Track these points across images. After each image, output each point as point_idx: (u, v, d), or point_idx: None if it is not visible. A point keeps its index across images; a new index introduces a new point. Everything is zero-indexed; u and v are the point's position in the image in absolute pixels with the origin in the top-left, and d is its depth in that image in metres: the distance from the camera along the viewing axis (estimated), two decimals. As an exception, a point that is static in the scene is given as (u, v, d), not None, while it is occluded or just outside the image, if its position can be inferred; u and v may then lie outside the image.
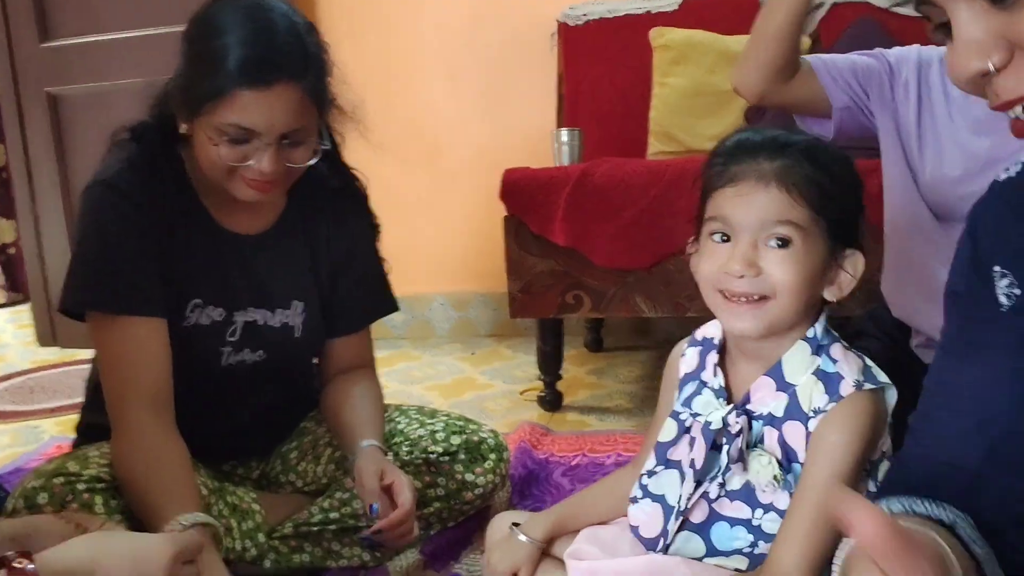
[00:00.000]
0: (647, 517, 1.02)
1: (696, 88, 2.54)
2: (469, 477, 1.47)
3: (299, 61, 1.20)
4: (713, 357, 1.03)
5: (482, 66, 3.05)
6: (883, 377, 0.96)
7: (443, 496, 1.46)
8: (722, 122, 2.50)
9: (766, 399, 0.97)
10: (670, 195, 2.05)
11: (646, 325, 3.04)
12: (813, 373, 0.95)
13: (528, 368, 2.67)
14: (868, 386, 0.93)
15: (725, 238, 0.95)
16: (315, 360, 1.52)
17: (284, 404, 1.50)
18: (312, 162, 1.27)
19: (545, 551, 1.12)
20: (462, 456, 1.47)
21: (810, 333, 0.97)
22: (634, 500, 1.05)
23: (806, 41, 2.57)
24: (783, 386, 0.96)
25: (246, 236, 1.36)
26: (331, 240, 1.43)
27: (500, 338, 3.14)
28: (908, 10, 2.53)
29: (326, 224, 1.43)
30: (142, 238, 1.24)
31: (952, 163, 1.36)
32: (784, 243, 0.91)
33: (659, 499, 1.02)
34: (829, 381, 0.94)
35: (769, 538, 0.94)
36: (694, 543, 0.99)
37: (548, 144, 2.54)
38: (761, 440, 0.96)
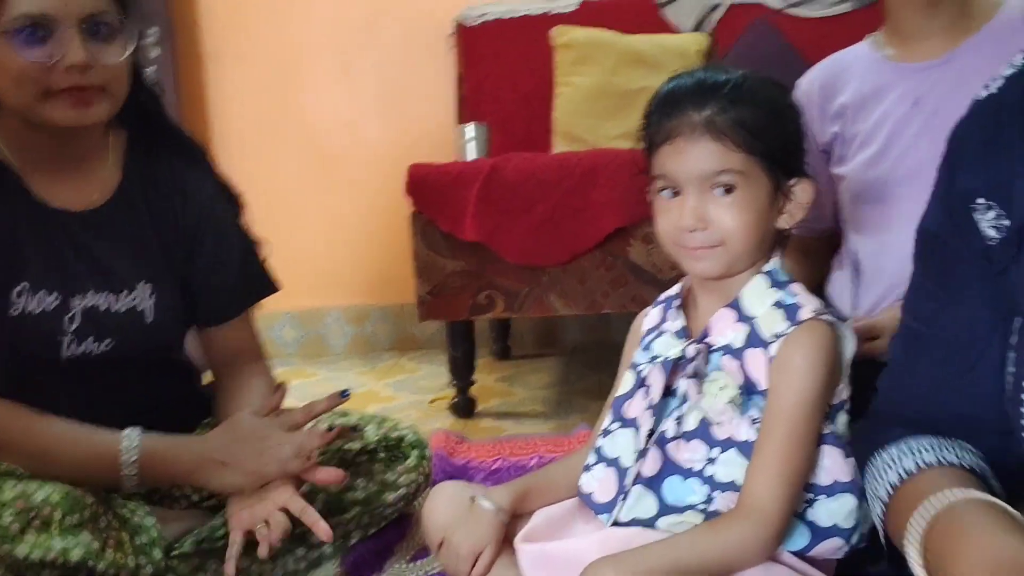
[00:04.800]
0: (599, 483, 0.99)
1: (600, 88, 2.51)
2: (390, 477, 1.34)
3: None
4: (675, 303, 1.04)
5: (378, 65, 2.94)
6: (843, 326, 0.97)
7: (362, 500, 1.33)
8: (626, 122, 2.47)
9: (725, 331, 0.97)
10: (583, 188, 2.00)
11: (553, 333, 2.98)
12: (773, 305, 0.96)
13: (434, 379, 2.56)
14: (826, 318, 0.94)
15: (674, 193, 0.97)
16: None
17: (162, 405, 1.33)
18: (128, 53, 1.16)
19: (506, 537, 1.02)
20: (381, 454, 1.35)
21: (767, 267, 0.98)
22: (587, 468, 1.01)
23: (703, 40, 2.59)
24: (743, 318, 0.97)
25: (77, 212, 1.22)
26: (180, 213, 1.30)
27: (402, 352, 3.01)
28: (802, 11, 2.58)
29: (171, 196, 1.29)
30: None
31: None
32: (728, 190, 0.94)
33: (613, 463, 0.99)
34: (789, 310, 0.95)
35: (725, 487, 0.92)
36: (646, 501, 0.95)
37: (448, 146, 2.46)
38: (719, 370, 0.96)
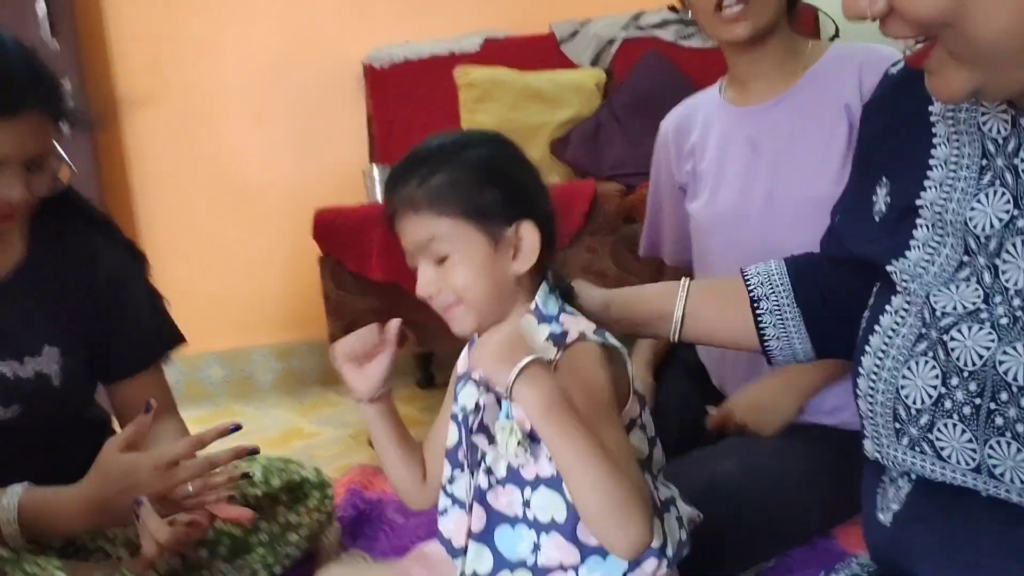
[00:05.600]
0: (455, 525, 1.01)
1: (501, 124, 2.61)
2: (293, 518, 1.42)
3: (39, 87, 1.17)
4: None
5: (290, 107, 3.03)
6: (615, 341, 0.98)
7: (267, 542, 1.40)
8: (529, 154, 2.58)
9: None
10: (483, 225, 2.10)
11: (474, 359, 3.06)
12: (545, 340, 0.96)
13: (357, 413, 2.62)
14: (594, 338, 0.95)
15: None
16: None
17: (75, 460, 1.38)
18: (60, 188, 1.22)
19: None
20: (284, 497, 1.42)
21: (533, 305, 0.99)
22: (443, 512, 1.04)
23: (600, 74, 2.72)
24: None
25: None
26: (84, 277, 1.35)
27: (328, 385, 3.07)
28: (693, 43, 2.72)
29: (78, 261, 1.35)
30: None
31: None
32: (443, 258, 0.96)
33: (463, 504, 1.01)
34: (558, 339, 0.96)
35: (548, 528, 0.93)
36: (484, 556, 0.97)
37: (359, 183, 2.55)
38: (509, 416, 0.94)
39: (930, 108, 0.84)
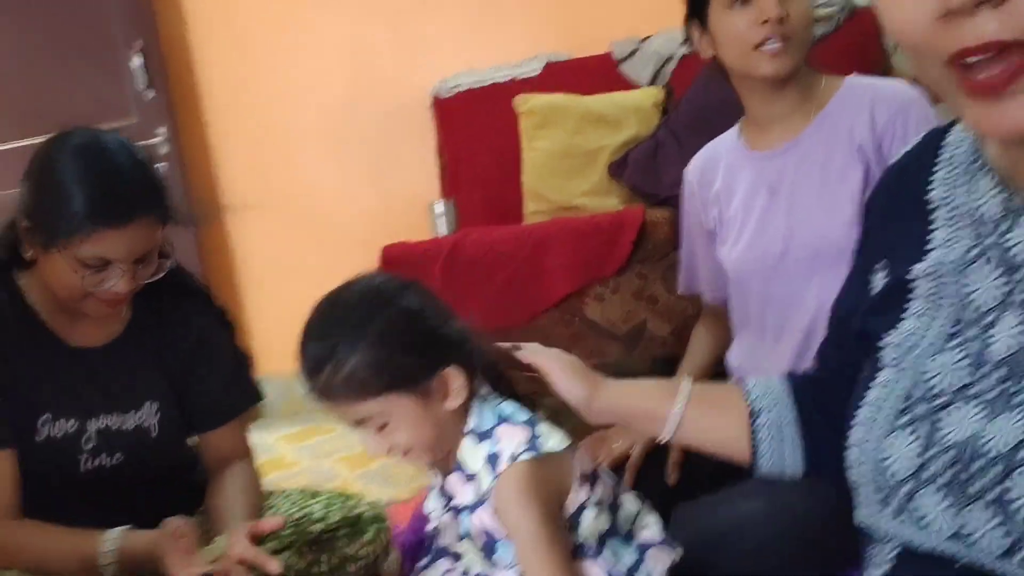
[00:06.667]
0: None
1: (563, 149, 2.68)
2: (350, 551, 1.53)
3: (149, 194, 1.31)
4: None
5: (364, 141, 3.17)
6: (552, 443, 1.01)
7: (326, 571, 1.53)
8: (589, 179, 2.66)
9: (461, 492, 1.04)
10: (538, 256, 2.19)
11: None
12: (485, 460, 1.01)
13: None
14: (524, 456, 0.98)
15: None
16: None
17: (169, 500, 1.55)
18: (159, 276, 1.36)
19: None
20: (343, 531, 1.55)
21: (470, 426, 1.03)
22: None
23: (659, 93, 2.75)
24: (469, 477, 1.03)
25: (92, 348, 1.44)
26: (178, 340, 1.51)
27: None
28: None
29: (171, 326, 1.51)
30: None
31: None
32: (381, 426, 1.00)
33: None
34: (492, 462, 1.00)
35: None
36: None
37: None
38: (468, 534, 1.03)
39: (928, 195, 0.85)
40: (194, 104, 3.25)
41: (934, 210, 0.84)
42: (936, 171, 0.83)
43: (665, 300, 2.13)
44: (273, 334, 3.43)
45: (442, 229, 2.44)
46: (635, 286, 2.16)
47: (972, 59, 0.60)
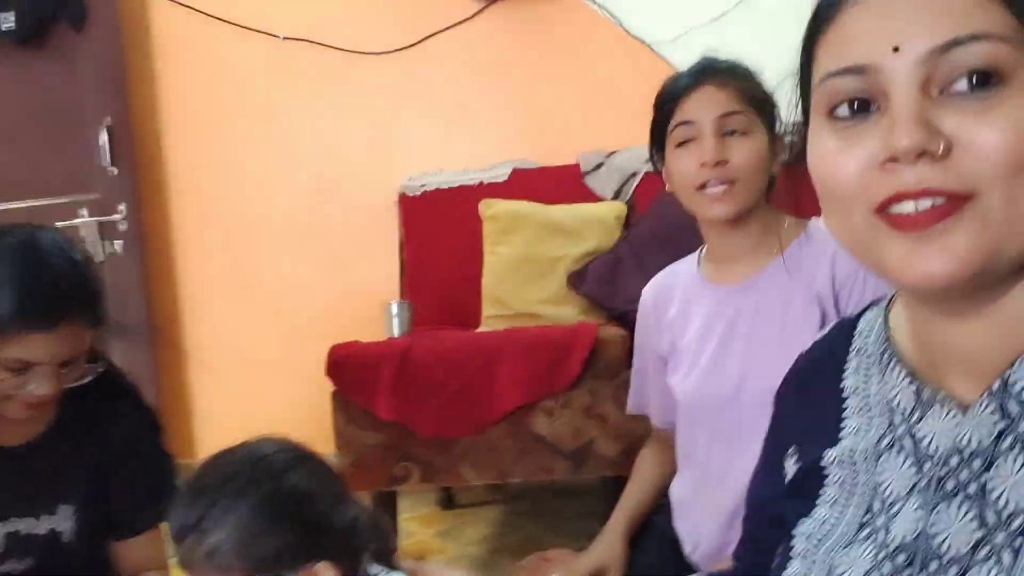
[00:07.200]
0: None
1: (524, 256, 2.70)
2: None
3: (81, 298, 1.27)
4: None
5: (328, 232, 3.17)
6: None
7: None
8: (548, 288, 2.66)
9: None
10: (491, 366, 2.16)
11: (497, 480, 3.10)
12: None
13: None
14: None
15: None
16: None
17: None
18: (86, 380, 1.31)
19: None
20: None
21: None
22: None
23: (621, 208, 2.78)
24: None
25: (13, 448, 1.38)
26: (104, 442, 1.45)
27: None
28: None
29: (97, 427, 1.46)
30: None
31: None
32: None
33: None
34: None
35: None
36: None
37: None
38: None
39: (842, 383, 0.86)
40: (159, 184, 3.23)
41: (847, 398, 0.85)
42: (849, 360, 0.85)
43: (615, 419, 2.10)
44: (221, 422, 3.48)
45: (395, 330, 2.41)
46: (585, 403, 2.13)
47: (906, 203, 0.61)
